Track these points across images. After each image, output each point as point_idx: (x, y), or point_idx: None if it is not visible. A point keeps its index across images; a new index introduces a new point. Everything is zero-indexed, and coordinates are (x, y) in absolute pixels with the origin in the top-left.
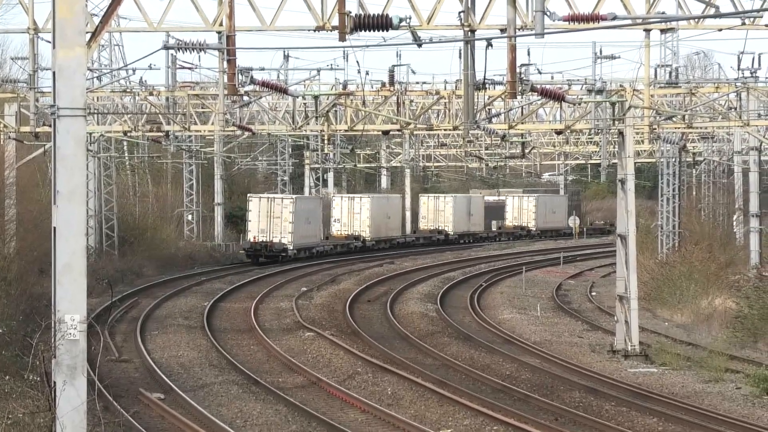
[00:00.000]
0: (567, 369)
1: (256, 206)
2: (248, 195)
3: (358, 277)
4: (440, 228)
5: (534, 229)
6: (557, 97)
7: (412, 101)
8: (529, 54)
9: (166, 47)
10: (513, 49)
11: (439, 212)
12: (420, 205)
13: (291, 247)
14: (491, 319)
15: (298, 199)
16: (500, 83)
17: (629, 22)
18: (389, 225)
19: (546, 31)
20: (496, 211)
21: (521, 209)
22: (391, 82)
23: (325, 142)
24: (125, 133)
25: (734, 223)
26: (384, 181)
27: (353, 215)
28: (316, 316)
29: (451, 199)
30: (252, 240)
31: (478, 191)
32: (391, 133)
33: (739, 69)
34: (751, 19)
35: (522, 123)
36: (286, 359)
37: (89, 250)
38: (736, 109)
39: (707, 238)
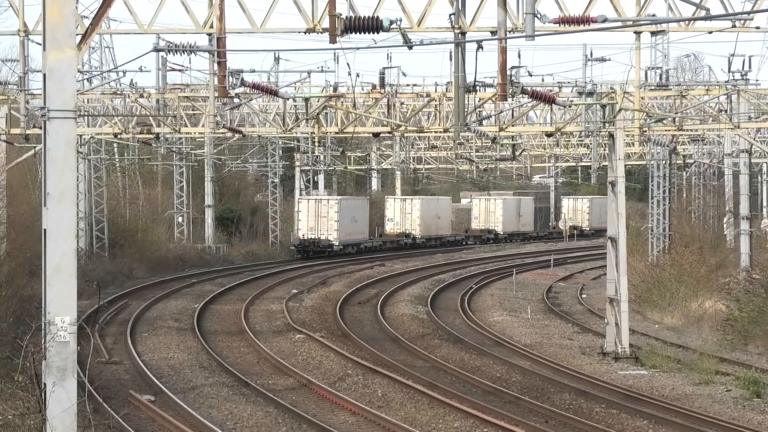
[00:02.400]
0: (557, 371)
1: (305, 207)
2: (297, 197)
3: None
4: (491, 228)
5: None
6: (548, 100)
7: (402, 103)
8: (519, 56)
9: (157, 49)
10: (503, 51)
11: (490, 213)
12: (472, 206)
13: (337, 243)
14: (482, 320)
15: (343, 200)
16: (491, 85)
17: (619, 24)
18: (439, 224)
19: (536, 33)
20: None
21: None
22: (382, 85)
23: (316, 144)
24: (115, 135)
25: (724, 225)
26: (374, 183)
27: (405, 215)
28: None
29: (501, 201)
30: (301, 237)
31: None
32: (381, 135)
33: (729, 71)
34: (742, 22)
35: (512, 125)
36: (276, 361)
37: (79, 252)
38: (726, 111)
39: (697, 240)
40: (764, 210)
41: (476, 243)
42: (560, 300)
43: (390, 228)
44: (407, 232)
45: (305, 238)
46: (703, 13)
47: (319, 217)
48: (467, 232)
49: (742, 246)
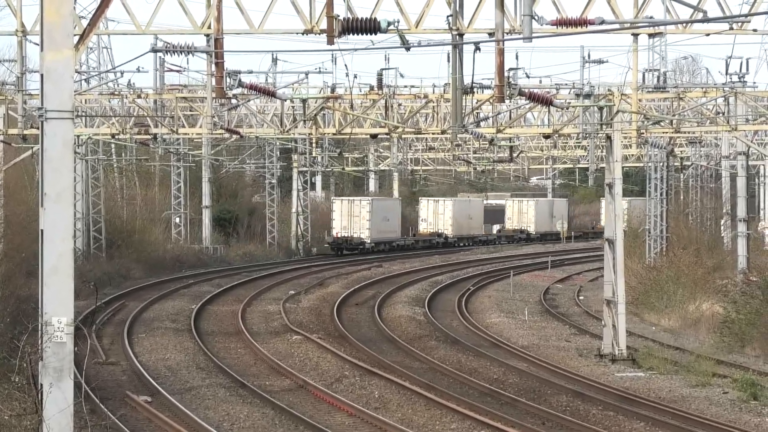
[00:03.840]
0: (554, 373)
1: (339, 207)
2: (332, 198)
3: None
4: (523, 228)
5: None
6: (545, 101)
7: (400, 105)
8: (517, 58)
9: (154, 50)
10: (501, 53)
11: (523, 214)
12: (506, 208)
13: (368, 241)
14: (479, 322)
15: (374, 200)
16: (488, 87)
17: (617, 26)
18: (471, 224)
19: (534, 35)
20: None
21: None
22: (380, 86)
23: (313, 145)
24: (113, 135)
25: (722, 227)
26: (372, 185)
27: (437, 215)
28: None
29: (534, 202)
30: (335, 235)
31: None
32: (379, 136)
33: (726, 73)
34: (739, 24)
35: (510, 127)
36: (273, 362)
37: (76, 252)
38: (723, 113)
39: (695, 242)
40: (761, 212)
41: (508, 242)
42: (557, 302)
43: (423, 228)
44: (440, 231)
45: (339, 236)
46: (700, 16)
47: (351, 216)
48: (500, 232)
49: (739, 248)
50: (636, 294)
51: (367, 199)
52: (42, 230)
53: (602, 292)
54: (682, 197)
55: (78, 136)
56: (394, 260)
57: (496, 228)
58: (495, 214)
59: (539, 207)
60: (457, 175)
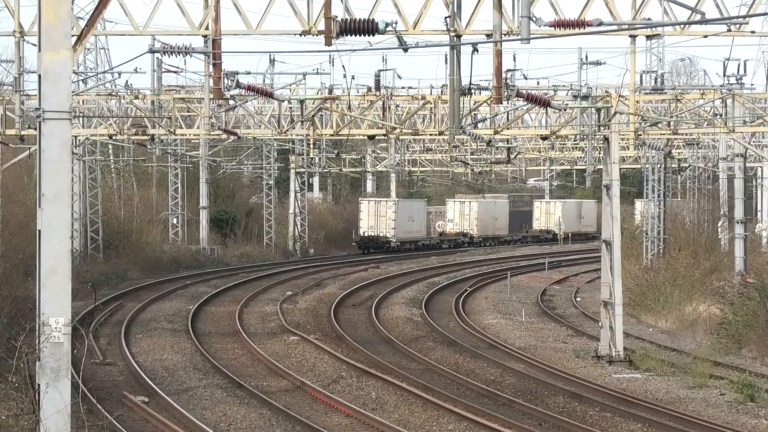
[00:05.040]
0: (551, 374)
1: (366, 207)
2: (360, 198)
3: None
4: (549, 228)
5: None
6: (543, 103)
7: (397, 106)
8: (514, 59)
9: (152, 51)
10: (499, 54)
11: (550, 215)
12: (533, 209)
13: (394, 240)
14: (476, 323)
15: (400, 201)
16: (486, 88)
17: (615, 28)
18: (496, 225)
19: (532, 36)
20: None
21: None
22: (377, 87)
23: (311, 146)
24: (110, 136)
25: (719, 229)
26: (369, 186)
27: (463, 216)
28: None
29: (561, 203)
30: (362, 234)
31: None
32: (376, 137)
33: (724, 75)
34: (737, 26)
35: (507, 128)
36: (270, 363)
37: (74, 253)
38: (721, 115)
39: (692, 244)
40: (759, 214)
41: (535, 242)
42: (555, 303)
43: (450, 228)
44: (465, 231)
45: (365, 234)
46: (698, 17)
47: (378, 216)
48: (528, 232)
49: (736, 250)
50: (633, 295)
51: (393, 200)
52: (39, 231)
53: (599, 294)
54: (679, 199)
55: (75, 137)
56: (391, 261)
57: (523, 228)
58: (521, 215)
59: (567, 208)
60: (455, 176)
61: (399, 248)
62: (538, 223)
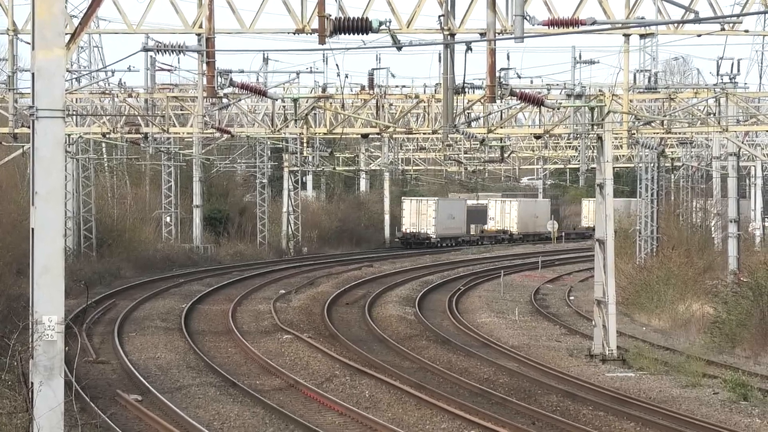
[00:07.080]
0: (544, 373)
1: (408, 206)
2: (402, 198)
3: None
4: (591, 225)
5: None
6: (536, 102)
7: (391, 105)
8: (508, 58)
9: (146, 49)
10: (492, 53)
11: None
12: (582, 207)
13: (434, 237)
14: (469, 322)
15: (440, 200)
16: (479, 87)
17: (609, 26)
18: (537, 222)
19: (525, 35)
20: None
21: (503, 213)
22: (371, 86)
23: (304, 145)
24: (104, 134)
25: (712, 228)
26: (363, 185)
27: (504, 214)
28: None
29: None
30: (404, 231)
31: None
32: (370, 136)
33: (718, 74)
34: (731, 25)
35: (501, 127)
36: (263, 361)
37: (67, 251)
38: (714, 114)
39: (685, 243)
40: (752, 213)
41: (580, 239)
42: (548, 302)
43: (491, 225)
44: (505, 229)
45: (407, 231)
46: (692, 16)
47: (419, 214)
48: (575, 230)
49: (729, 249)
50: (626, 294)
51: (434, 199)
52: (33, 229)
53: (593, 293)
54: (672, 198)
55: (69, 135)
56: (385, 260)
57: (570, 226)
58: (560, 213)
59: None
60: (448, 175)
61: (439, 244)
62: (587, 220)
